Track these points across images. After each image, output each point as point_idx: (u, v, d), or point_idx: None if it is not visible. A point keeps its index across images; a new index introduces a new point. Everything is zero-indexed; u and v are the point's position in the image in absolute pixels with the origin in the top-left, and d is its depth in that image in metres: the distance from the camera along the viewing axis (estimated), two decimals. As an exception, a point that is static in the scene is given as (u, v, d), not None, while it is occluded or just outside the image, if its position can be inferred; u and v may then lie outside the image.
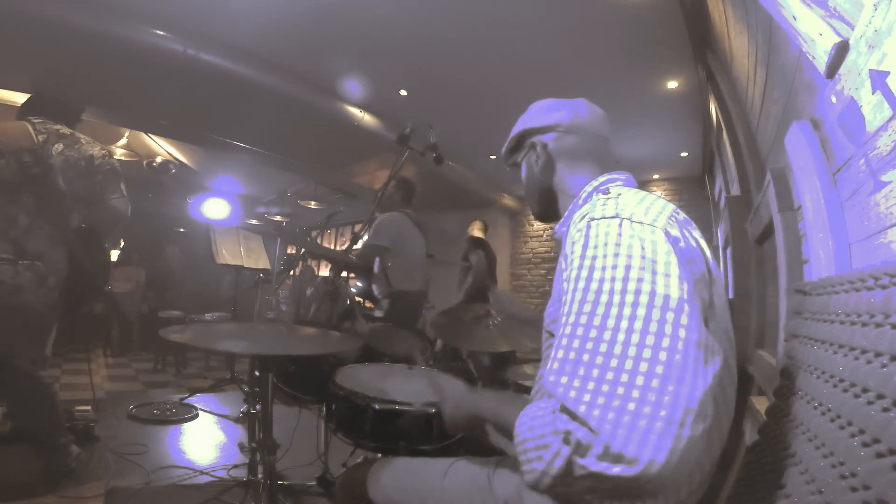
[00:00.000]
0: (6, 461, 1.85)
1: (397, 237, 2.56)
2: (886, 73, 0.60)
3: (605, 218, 0.64)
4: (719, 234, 2.94)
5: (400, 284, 2.55)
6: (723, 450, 0.69)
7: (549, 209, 0.91)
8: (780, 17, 0.96)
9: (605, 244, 0.61)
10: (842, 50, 0.73)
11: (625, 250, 0.60)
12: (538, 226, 6.41)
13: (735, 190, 2.33)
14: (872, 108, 0.65)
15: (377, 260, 2.58)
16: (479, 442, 1.11)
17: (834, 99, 0.78)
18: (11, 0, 2.38)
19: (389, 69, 3.38)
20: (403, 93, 3.69)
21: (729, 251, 2.17)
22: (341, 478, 1.09)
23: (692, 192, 5.07)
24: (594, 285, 0.59)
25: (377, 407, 1.11)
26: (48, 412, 1.75)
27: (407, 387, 1.25)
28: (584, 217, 0.69)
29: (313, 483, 1.81)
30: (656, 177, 5.43)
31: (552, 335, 0.77)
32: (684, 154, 4.58)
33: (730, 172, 2.57)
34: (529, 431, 0.58)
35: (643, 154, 4.63)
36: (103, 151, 1.84)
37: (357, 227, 2.54)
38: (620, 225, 0.62)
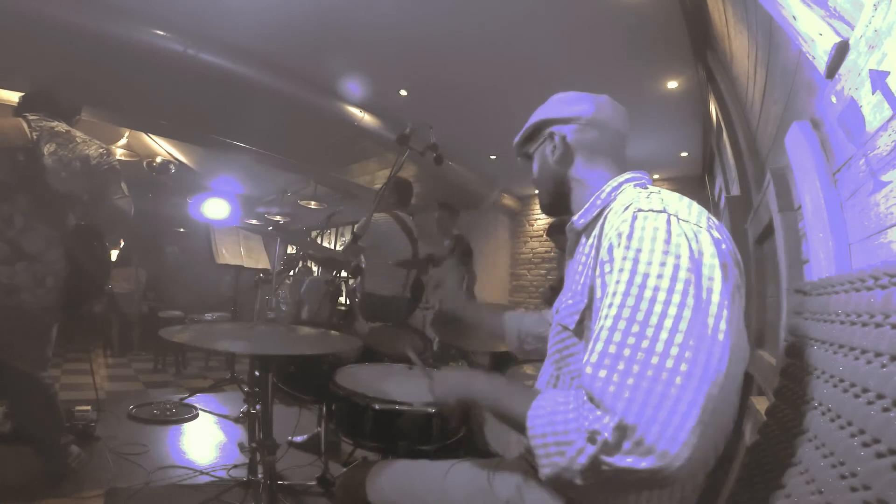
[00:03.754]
0: (6, 461, 1.85)
1: (375, 239, 2.48)
2: (886, 73, 0.60)
3: (652, 211, 0.64)
4: (719, 234, 2.93)
5: (372, 287, 2.50)
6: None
7: (560, 202, 0.89)
8: (780, 17, 0.96)
9: (654, 239, 0.61)
10: (842, 50, 0.72)
11: (674, 249, 0.59)
12: (538, 226, 6.41)
13: (735, 190, 2.33)
14: (872, 108, 0.65)
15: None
16: (477, 446, 1.11)
17: (834, 99, 0.78)
18: (11, 0, 2.38)
19: (389, 69, 3.38)
20: (403, 93, 3.69)
21: (729, 251, 2.16)
22: (341, 478, 1.09)
23: (692, 192, 5.01)
24: (638, 279, 0.59)
25: (377, 407, 1.11)
26: (48, 413, 1.74)
27: (407, 387, 1.25)
28: (627, 207, 0.68)
29: (313, 483, 1.82)
30: (656, 177, 5.43)
31: (565, 328, 0.77)
32: (684, 154, 4.58)
33: (730, 172, 2.57)
34: (549, 426, 0.59)
35: (643, 154, 4.62)
36: (100, 150, 1.80)
37: (357, 227, 2.50)
38: (668, 221, 0.62)
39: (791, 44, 1.04)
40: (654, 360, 0.54)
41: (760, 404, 1.08)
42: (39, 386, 1.72)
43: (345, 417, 1.18)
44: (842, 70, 0.74)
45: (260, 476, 1.50)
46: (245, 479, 1.80)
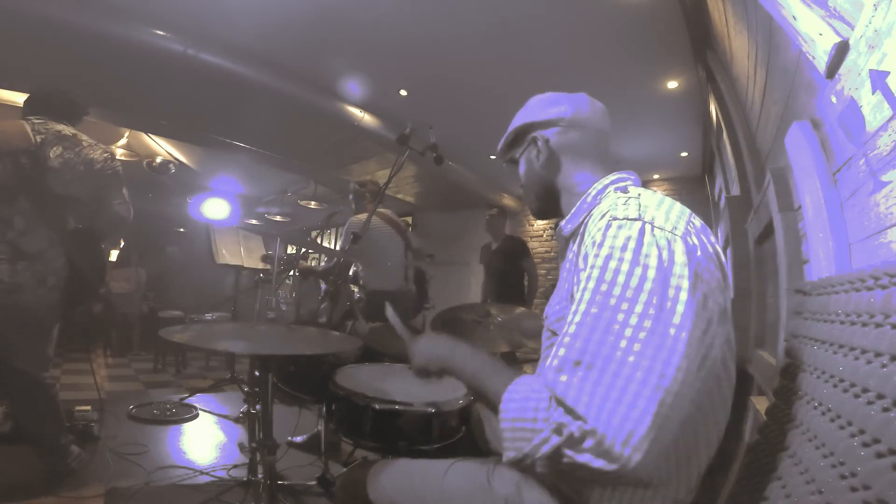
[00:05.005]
0: (6, 461, 1.85)
1: (369, 238, 2.39)
2: (886, 73, 0.60)
3: (627, 219, 0.64)
4: (719, 234, 2.94)
5: (373, 285, 2.48)
6: (722, 450, 0.70)
7: (550, 206, 0.89)
8: (780, 17, 0.96)
9: (624, 248, 0.61)
10: (842, 50, 0.72)
11: (643, 259, 0.60)
12: (538, 226, 6.40)
13: (735, 190, 2.33)
14: (872, 108, 0.65)
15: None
16: (478, 445, 1.11)
17: (834, 99, 0.78)
18: (12, 0, 2.38)
19: (389, 69, 3.38)
20: (403, 93, 3.69)
21: (729, 251, 2.17)
22: (341, 478, 1.09)
23: (692, 192, 5.06)
24: (604, 287, 0.60)
25: (377, 407, 1.11)
26: (49, 413, 1.74)
27: (407, 387, 1.25)
28: (604, 215, 0.68)
29: (313, 483, 1.81)
30: (656, 177, 5.43)
31: (555, 334, 0.77)
32: (684, 154, 4.58)
33: (730, 172, 2.57)
34: (520, 412, 0.61)
35: (643, 154, 4.62)
36: (105, 155, 1.79)
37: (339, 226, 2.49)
38: (642, 230, 0.62)
39: (791, 44, 1.04)
40: (613, 367, 0.56)
41: (760, 404, 1.08)
42: (40, 386, 1.72)
43: (345, 417, 1.18)
44: (842, 70, 0.74)
45: (260, 476, 1.50)
46: (245, 479, 1.80)
